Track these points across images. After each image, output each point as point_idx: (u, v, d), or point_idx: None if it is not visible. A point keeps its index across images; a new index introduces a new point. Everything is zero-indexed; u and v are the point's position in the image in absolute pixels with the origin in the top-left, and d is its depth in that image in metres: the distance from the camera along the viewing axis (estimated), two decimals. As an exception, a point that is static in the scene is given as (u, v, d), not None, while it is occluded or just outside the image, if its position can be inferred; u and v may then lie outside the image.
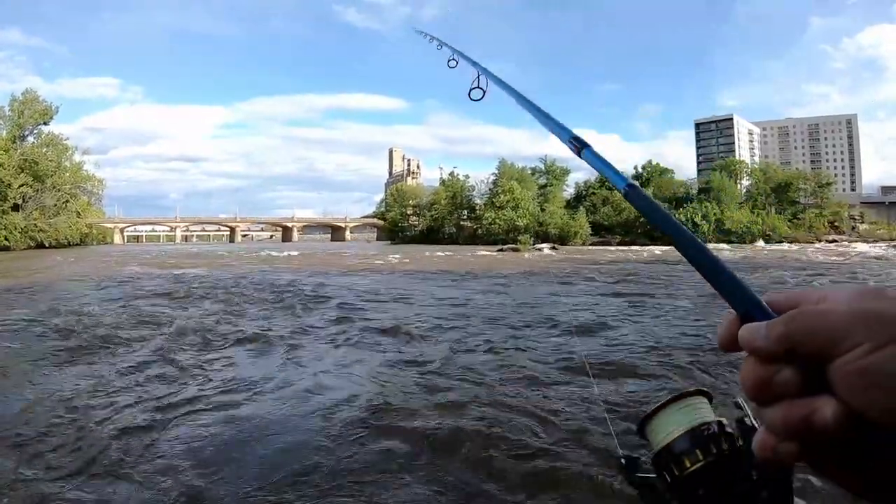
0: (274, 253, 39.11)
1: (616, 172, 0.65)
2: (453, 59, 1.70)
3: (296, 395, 5.45)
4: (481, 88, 1.35)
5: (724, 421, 0.49)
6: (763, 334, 0.40)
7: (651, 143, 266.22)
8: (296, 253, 39.48)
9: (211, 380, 6.02)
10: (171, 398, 5.30)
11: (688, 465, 0.48)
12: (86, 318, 9.97)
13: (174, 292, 14.33)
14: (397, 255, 36.19)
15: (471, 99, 1.35)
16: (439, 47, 1.91)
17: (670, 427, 0.50)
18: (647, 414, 0.51)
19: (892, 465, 0.36)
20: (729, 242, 67.61)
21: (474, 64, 1.41)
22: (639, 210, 0.57)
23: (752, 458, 0.42)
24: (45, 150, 63.80)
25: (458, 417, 4.74)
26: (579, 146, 0.75)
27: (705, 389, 0.50)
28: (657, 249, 42.44)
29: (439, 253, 39.46)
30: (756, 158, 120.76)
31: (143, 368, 6.47)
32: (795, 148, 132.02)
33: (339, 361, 6.97)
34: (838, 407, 0.36)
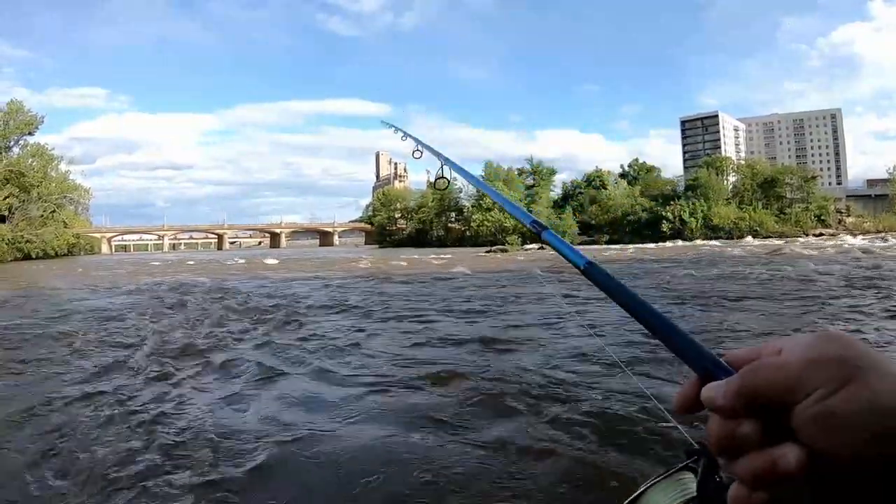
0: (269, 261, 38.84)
1: (574, 251, 0.66)
2: (418, 150, 1.74)
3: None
4: (446, 178, 1.42)
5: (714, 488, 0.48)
6: (722, 391, 0.41)
7: (633, 142, 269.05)
8: (274, 261, 39.18)
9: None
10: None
11: None
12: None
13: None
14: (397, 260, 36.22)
15: (436, 189, 1.51)
16: (404, 139, 1.95)
17: None
18: (634, 496, 0.50)
19: (860, 494, 0.37)
20: (717, 238, 68.15)
21: (437, 155, 1.48)
22: (598, 286, 0.58)
23: None
24: (30, 160, 63.37)
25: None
26: (539, 229, 0.82)
27: (688, 461, 0.50)
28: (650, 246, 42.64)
29: (431, 257, 39.44)
30: (742, 154, 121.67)
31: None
32: (781, 143, 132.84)
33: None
34: (800, 452, 0.37)
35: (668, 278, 16.53)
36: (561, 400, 4.89)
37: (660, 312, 0.50)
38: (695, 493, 0.47)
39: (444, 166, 1.40)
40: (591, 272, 0.59)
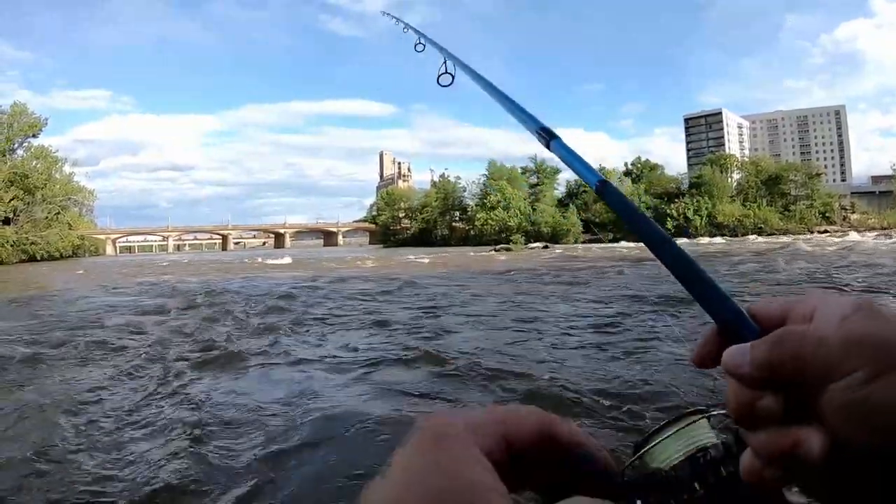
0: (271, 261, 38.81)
1: (586, 167, 0.61)
2: (420, 42, 1.61)
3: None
4: (450, 74, 1.30)
5: (724, 441, 0.44)
6: (747, 360, 0.37)
7: (637, 141, 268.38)
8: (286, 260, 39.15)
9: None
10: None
11: (685, 497, 0.45)
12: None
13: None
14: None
15: (440, 85, 1.31)
16: (405, 30, 1.87)
17: (665, 455, 0.47)
18: (642, 439, 0.48)
19: (874, 478, 0.35)
20: (721, 236, 67.96)
21: (441, 49, 1.36)
22: (611, 207, 0.54)
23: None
24: (34, 162, 63.58)
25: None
26: (547, 137, 0.71)
27: (703, 407, 0.47)
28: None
29: (425, 258, 39.41)
30: (746, 152, 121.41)
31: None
32: (785, 140, 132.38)
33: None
34: (825, 438, 0.35)
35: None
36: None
37: (681, 249, 0.46)
38: (703, 443, 0.45)
39: (448, 62, 1.30)
40: (605, 192, 0.55)
